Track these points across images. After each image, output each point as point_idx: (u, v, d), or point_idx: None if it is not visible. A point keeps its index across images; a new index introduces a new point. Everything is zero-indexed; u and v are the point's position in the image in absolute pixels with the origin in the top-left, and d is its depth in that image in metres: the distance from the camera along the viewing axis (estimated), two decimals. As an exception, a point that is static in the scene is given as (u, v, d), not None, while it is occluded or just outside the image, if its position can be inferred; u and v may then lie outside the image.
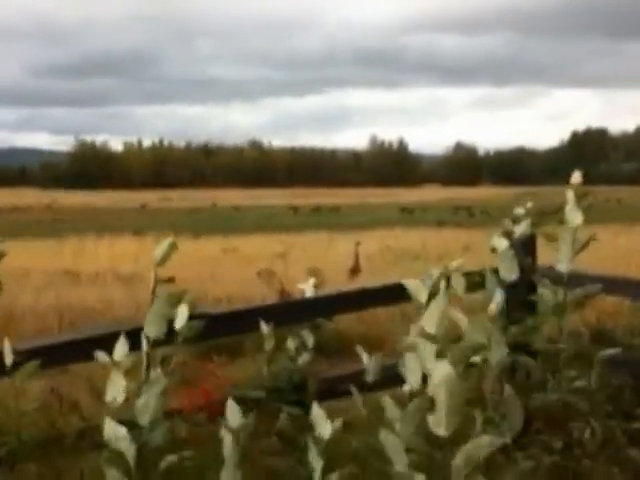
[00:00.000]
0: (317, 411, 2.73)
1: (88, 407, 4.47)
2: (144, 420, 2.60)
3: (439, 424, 2.19)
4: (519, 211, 4.33)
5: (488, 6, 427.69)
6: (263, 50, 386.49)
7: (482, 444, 2.16)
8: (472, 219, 54.61)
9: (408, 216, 59.27)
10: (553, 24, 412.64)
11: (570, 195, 3.99)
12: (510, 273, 3.85)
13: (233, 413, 2.65)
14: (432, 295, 3.00)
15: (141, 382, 3.41)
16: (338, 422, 2.75)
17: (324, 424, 2.69)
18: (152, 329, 2.94)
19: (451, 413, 2.16)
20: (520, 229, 4.14)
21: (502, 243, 3.77)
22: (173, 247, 3.28)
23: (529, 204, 4.42)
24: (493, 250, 3.93)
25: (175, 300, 3.09)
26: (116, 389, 3.14)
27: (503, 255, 3.88)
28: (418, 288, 3.12)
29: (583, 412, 3.39)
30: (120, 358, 3.19)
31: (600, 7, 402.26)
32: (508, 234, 4.03)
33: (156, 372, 2.84)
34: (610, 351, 3.72)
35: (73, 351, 4.32)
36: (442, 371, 2.21)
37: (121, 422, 2.68)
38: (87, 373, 5.22)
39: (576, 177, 4.19)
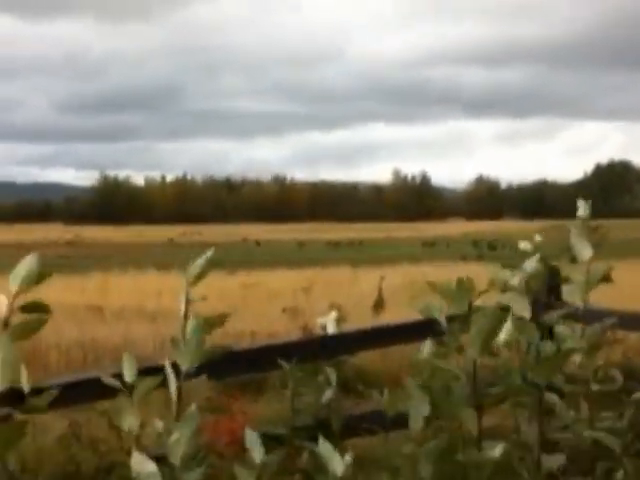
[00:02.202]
0: (326, 447, 2.62)
1: (107, 443, 4.48)
2: (176, 458, 2.55)
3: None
4: (524, 245, 4.21)
5: (510, 39, 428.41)
6: (288, 84, 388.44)
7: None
8: (495, 253, 54.44)
9: (430, 250, 59.15)
10: (575, 57, 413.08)
11: (575, 229, 3.85)
12: (522, 310, 3.73)
13: (255, 448, 2.60)
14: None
15: (162, 417, 3.40)
16: (348, 458, 2.68)
17: (336, 460, 2.61)
18: (185, 359, 2.78)
19: None
20: (530, 265, 4.03)
21: (511, 278, 3.68)
22: (209, 263, 2.99)
23: (537, 237, 4.32)
24: (504, 287, 3.83)
25: (211, 325, 2.88)
26: (131, 418, 3.12)
27: (512, 291, 3.77)
28: (431, 309, 3.03)
29: (612, 451, 3.36)
30: (130, 379, 3.15)
31: (622, 40, 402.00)
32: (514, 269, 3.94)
33: (190, 407, 2.77)
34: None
35: (92, 389, 4.32)
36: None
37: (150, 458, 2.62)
38: (106, 409, 5.23)
39: (582, 210, 4.08)
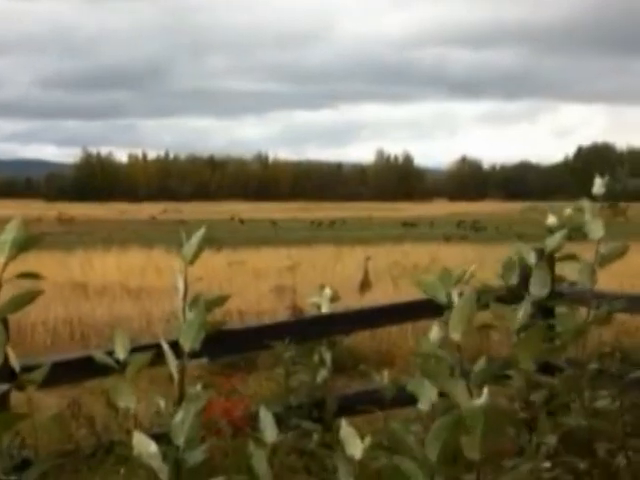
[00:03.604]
0: (347, 429, 2.62)
1: (105, 421, 4.46)
2: (179, 439, 2.53)
3: (473, 448, 2.16)
4: (552, 220, 4.15)
5: (497, 21, 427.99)
6: (274, 63, 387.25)
7: (523, 471, 2.14)
8: (478, 233, 54.55)
9: (413, 230, 59.21)
10: (562, 40, 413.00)
11: (589, 207, 3.81)
12: (542, 289, 3.67)
13: (269, 428, 2.58)
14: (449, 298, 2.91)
15: (167, 397, 3.38)
16: (368, 441, 2.67)
17: (355, 443, 2.59)
18: (188, 340, 2.74)
19: (487, 437, 2.13)
20: (553, 242, 3.95)
21: (533, 257, 3.61)
22: (205, 242, 2.96)
23: (568, 211, 4.24)
24: (529, 266, 3.74)
25: (213, 305, 2.86)
26: (126, 397, 3.11)
27: (536, 270, 3.71)
28: (436, 287, 3.01)
29: (608, 433, 3.37)
30: (123, 356, 3.14)
31: (608, 24, 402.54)
32: (539, 249, 3.89)
33: (194, 388, 2.76)
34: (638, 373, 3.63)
35: (86, 366, 4.31)
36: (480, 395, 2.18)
37: (152, 437, 2.60)
38: (104, 388, 5.22)
39: (599, 187, 4.03)
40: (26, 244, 2.79)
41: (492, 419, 2.10)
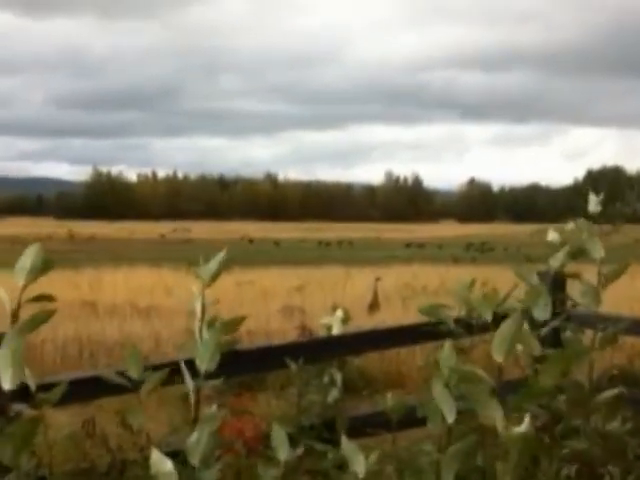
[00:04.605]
0: (349, 446, 2.62)
1: (119, 440, 4.48)
2: (195, 457, 2.55)
3: (508, 474, 2.16)
4: (554, 236, 4.10)
5: (507, 44, 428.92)
6: (285, 85, 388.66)
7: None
8: (487, 255, 54.51)
9: (422, 251, 59.19)
10: (572, 63, 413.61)
11: (588, 227, 3.78)
12: (543, 312, 3.65)
13: (281, 445, 2.60)
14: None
15: (175, 417, 3.41)
16: (373, 457, 2.66)
17: (359, 460, 2.59)
18: (204, 361, 2.78)
19: (521, 462, 2.14)
20: (556, 261, 3.92)
21: (534, 278, 3.59)
22: (224, 263, 2.99)
23: (569, 226, 4.21)
24: (530, 288, 3.73)
25: (230, 328, 2.92)
26: (139, 416, 3.13)
27: (535, 291, 3.68)
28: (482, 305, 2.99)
29: (616, 457, 3.37)
30: (136, 375, 3.16)
31: (620, 47, 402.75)
32: (539, 269, 3.86)
33: (210, 408, 2.78)
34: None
35: (100, 385, 4.33)
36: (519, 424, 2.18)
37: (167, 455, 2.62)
38: (118, 407, 5.23)
39: (594, 205, 4.00)
40: (43, 269, 2.86)
41: (529, 447, 2.12)
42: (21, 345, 2.89)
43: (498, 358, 2.46)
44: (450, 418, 2.44)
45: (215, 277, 3.04)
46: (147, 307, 18.17)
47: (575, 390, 3.69)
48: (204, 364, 2.76)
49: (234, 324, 2.97)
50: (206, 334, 2.88)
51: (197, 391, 2.81)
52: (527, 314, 3.60)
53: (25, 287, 2.85)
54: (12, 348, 2.73)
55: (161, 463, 2.52)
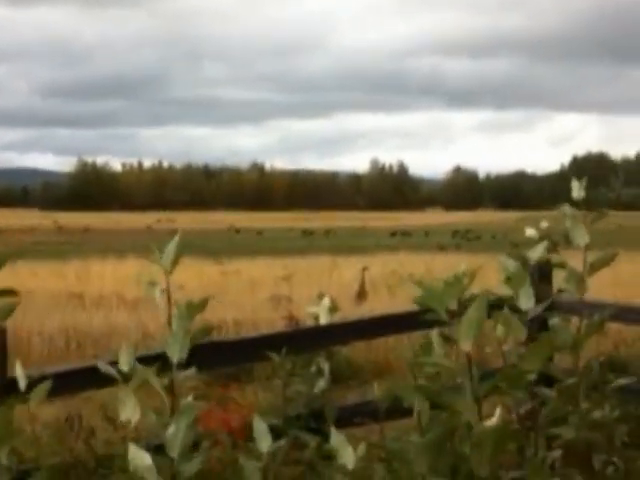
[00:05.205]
0: (339, 438, 2.57)
1: (104, 434, 4.46)
2: (174, 451, 2.51)
3: (482, 464, 2.16)
4: (531, 232, 4.08)
5: (493, 31, 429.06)
6: (271, 73, 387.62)
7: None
8: (473, 243, 54.59)
9: (408, 239, 59.24)
10: (557, 49, 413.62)
11: (572, 213, 3.75)
12: (526, 301, 3.64)
13: (262, 437, 2.57)
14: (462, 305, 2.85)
15: (160, 408, 3.38)
16: (362, 449, 2.65)
17: (348, 452, 2.58)
18: (175, 350, 2.74)
19: (495, 454, 2.14)
20: (536, 254, 3.91)
21: (516, 268, 3.55)
22: (181, 248, 2.96)
23: (543, 224, 4.18)
24: (508, 278, 3.73)
25: (196, 310, 2.85)
26: (129, 409, 3.10)
27: (518, 281, 3.65)
28: (444, 296, 2.97)
29: (603, 444, 3.37)
30: (126, 368, 3.12)
31: (604, 33, 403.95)
32: (522, 259, 3.84)
33: (187, 400, 2.75)
34: (623, 380, 3.62)
35: (88, 377, 4.30)
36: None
37: (147, 450, 2.59)
38: (102, 400, 5.22)
39: (578, 191, 3.98)
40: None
41: (502, 439, 2.11)
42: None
43: (465, 346, 2.44)
44: (423, 409, 2.44)
45: (175, 263, 3.00)
46: (134, 298, 18.09)
47: (563, 377, 3.69)
48: (175, 354, 2.71)
49: (199, 307, 2.90)
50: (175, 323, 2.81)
51: (171, 382, 2.76)
52: (512, 303, 3.59)
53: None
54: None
55: (139, 458, 2.49)
